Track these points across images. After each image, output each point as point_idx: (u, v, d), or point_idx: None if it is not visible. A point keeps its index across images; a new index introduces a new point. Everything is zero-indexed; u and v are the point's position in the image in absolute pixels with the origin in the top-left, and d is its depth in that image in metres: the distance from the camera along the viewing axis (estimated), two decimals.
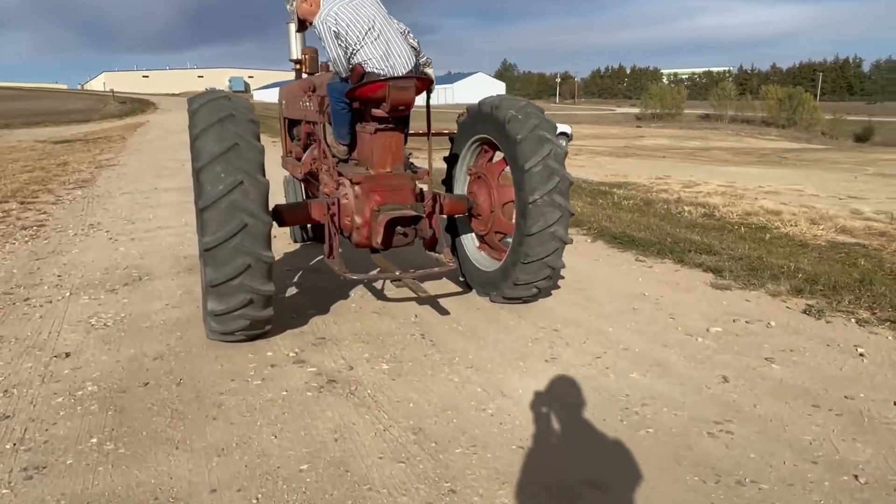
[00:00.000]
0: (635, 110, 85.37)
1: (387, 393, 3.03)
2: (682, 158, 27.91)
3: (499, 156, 4.28)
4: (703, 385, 3.10)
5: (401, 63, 3.77)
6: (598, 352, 3.53)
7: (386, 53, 3.72)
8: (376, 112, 3.76)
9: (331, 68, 4.05)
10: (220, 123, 3.05)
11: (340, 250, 3.81)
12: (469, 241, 4.66)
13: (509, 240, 4.17)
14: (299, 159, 4.95)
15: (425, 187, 4.12)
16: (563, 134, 22.77)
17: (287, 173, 5.59)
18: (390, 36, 3.75)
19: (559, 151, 3.86)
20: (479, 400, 2.96)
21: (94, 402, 2.90)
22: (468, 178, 4.55)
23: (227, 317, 3.18)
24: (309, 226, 5.49)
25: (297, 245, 5.93)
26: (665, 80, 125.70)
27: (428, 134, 4.16)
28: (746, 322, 3.98)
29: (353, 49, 3.68)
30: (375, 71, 3.69)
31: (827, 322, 3.93)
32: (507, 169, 4.15)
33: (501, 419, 2.77)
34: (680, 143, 41.33)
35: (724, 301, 4.42)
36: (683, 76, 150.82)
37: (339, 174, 4.02)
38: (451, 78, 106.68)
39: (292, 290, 4.68)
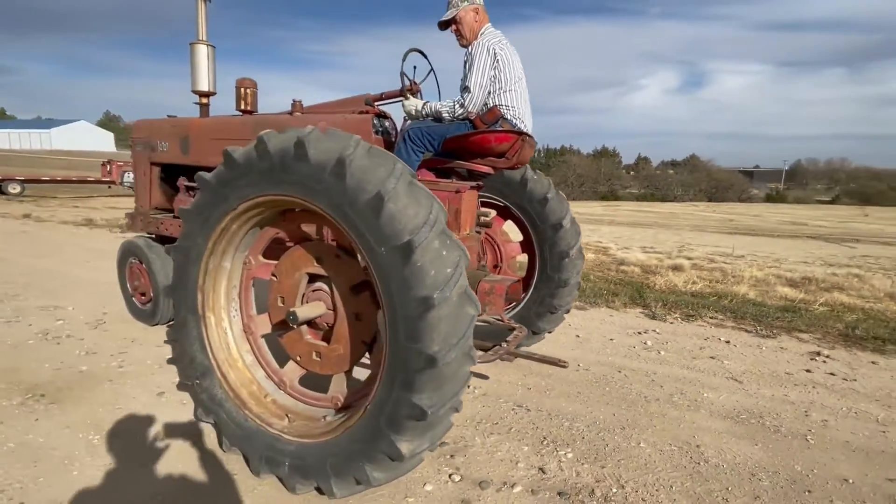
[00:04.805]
0: None
1: None
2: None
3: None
4: None
5: (529, 125, 3.07)
6: None
7: (523, 111, 3.01)
8: (479, 165, 2.97)
9: (418, 109, 3.03)
10: (404, 174, 1.89)
11: None
12: None
13: None
14: None
15: None
16: None
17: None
18: (527, 95, 3.09)
19: None
20: None
21: None
22: None
23: (416, 457, 2.05)
24: None
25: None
26: None
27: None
28: None
29: (501, 89, 2.89)
30: (511, 120, 2.95)
31: None
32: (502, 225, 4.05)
33: None
34: None
35: None
36: None
37: None
38: (45, 123, 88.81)
39: None
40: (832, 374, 4.01)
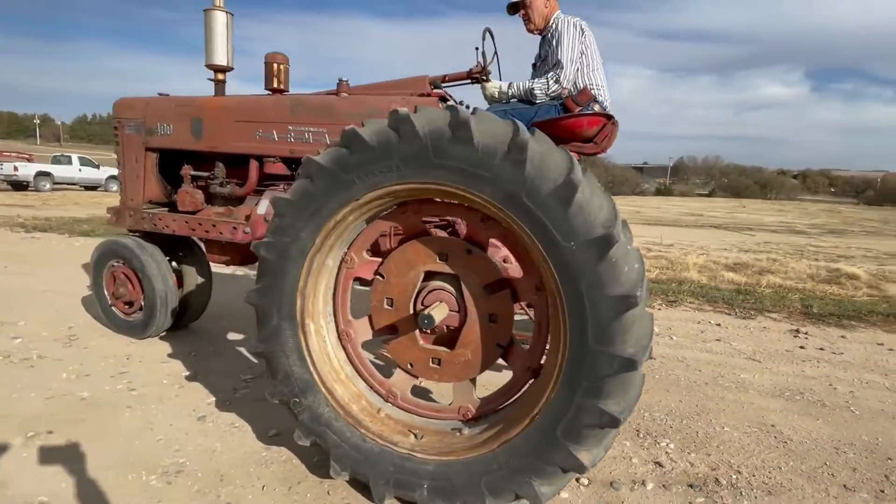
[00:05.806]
0: None
1: None
2: None
3: None
4: None
5: (609, 107, 2.88)
6: None
7: (608, 92, 2.87)
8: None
9: (503, 90, 2.89)
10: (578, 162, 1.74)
11: None
12: None
13: None
14: None
15: None
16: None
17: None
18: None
19: None
20: None
21: None
22: None
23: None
24: None
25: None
26: None
27: None
28: None
29: (589, 67, 2.74)
30: (601, 102, 2.75)
31: None
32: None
33: None
34: None
35: None
36: None
37: None
38: None
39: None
40: (821, 349, 4.38)
